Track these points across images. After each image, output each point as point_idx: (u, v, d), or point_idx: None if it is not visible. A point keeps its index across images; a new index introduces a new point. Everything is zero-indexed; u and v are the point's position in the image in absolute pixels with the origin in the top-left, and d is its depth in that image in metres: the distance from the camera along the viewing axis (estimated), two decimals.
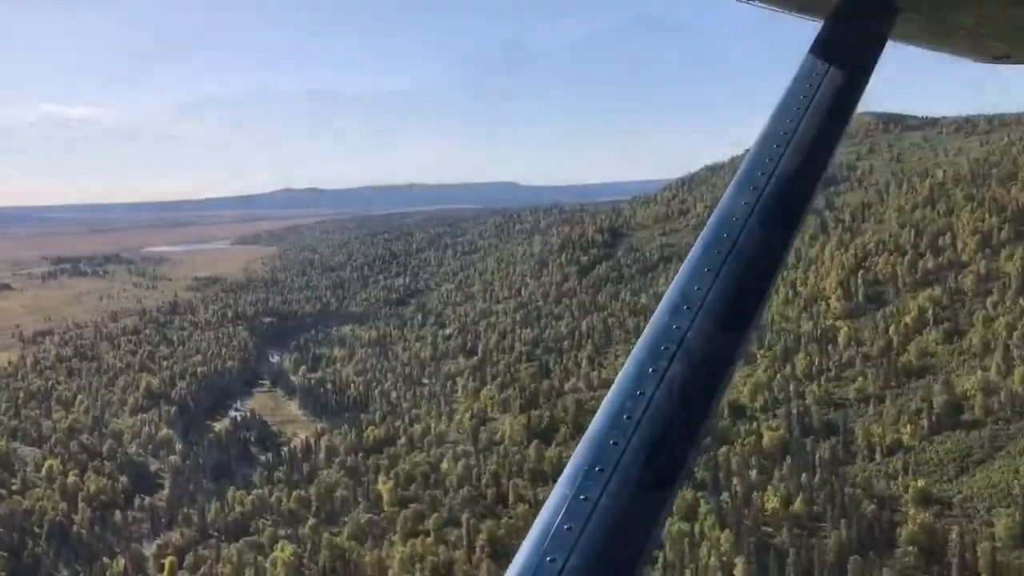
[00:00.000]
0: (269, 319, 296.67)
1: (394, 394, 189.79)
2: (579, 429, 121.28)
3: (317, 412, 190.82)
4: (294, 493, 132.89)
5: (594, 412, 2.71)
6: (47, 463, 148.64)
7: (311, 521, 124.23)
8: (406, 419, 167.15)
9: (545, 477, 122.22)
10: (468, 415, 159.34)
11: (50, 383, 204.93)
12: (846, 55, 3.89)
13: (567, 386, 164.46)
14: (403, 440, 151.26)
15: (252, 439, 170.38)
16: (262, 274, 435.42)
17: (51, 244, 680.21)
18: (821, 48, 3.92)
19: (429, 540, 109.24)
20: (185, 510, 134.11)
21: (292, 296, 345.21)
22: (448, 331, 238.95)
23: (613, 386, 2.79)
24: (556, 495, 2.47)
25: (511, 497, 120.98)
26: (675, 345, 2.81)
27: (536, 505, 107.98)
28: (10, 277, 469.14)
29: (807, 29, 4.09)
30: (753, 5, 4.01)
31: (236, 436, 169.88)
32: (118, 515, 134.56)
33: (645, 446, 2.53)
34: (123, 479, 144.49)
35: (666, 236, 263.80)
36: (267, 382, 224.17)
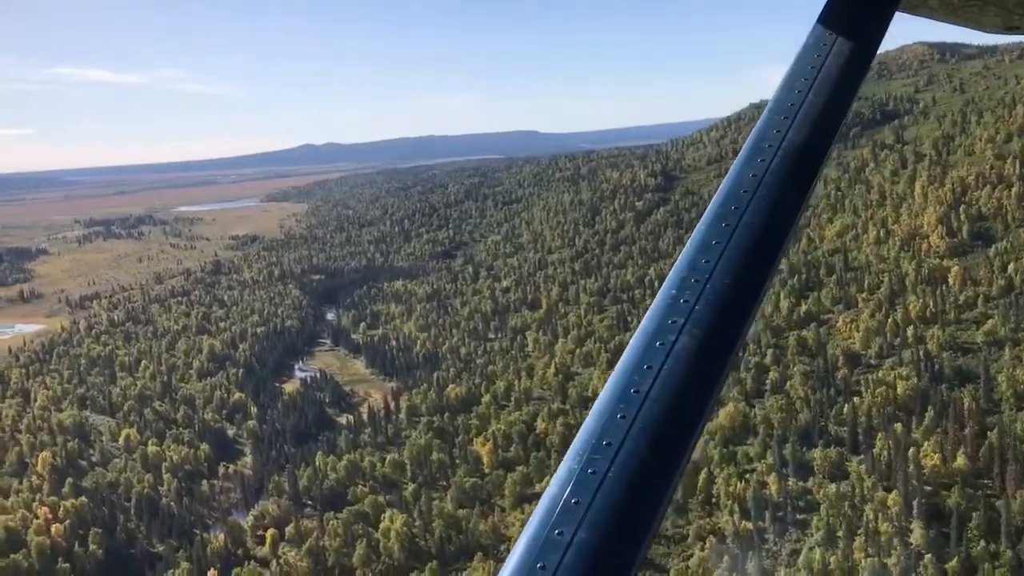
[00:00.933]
0: (317, 276, 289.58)
1: (463, 350, 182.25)
2: None
3: (386, 370, 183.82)
4: (388, 457, 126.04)
5: None
6: (123, 432, 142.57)
7: (410, 487, 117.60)
8: (482, 376, 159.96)
9: None
10: (551, 370, 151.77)
11: (109, 348, 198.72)
12: (854, 25, 3.85)
13: None
14: (487, 398, 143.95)
15: (327, 400, 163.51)
16: (299, 231, 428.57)
17: (80, 207, 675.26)
18: (829, 18, 3.87)
19: None
20: (276, 478, 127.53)
21: (335, 253, 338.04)
22: (505, 284, 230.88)
23: (620, 360, 2.74)
24: (563, 469, 2.44)
25: None
26: (683, 319, 2.76)
27: None
28: (46, 241, 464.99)
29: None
30: None
31: (309, 397, 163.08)
32: (205, 485, 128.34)
33: (653, 420, 2.50)
34: (204, 447, 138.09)
35: (722, 177, 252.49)
36: (327, 341, 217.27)
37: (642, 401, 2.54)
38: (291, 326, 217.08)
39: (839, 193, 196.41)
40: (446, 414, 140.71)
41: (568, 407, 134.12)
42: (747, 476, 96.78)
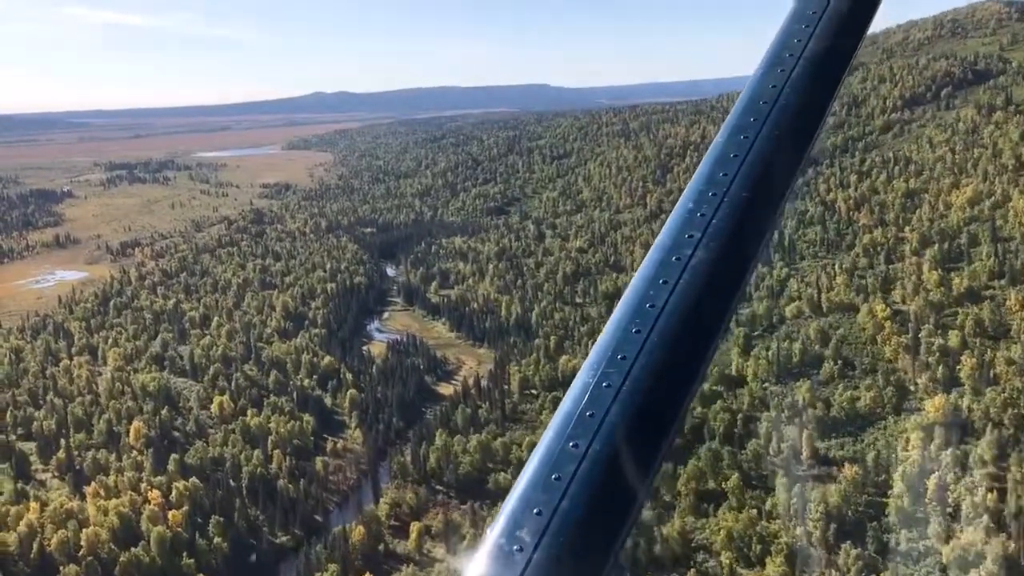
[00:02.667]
0: (369, 230, 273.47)
1: (558, 316, 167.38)
2: None
3: (474, 335, 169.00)
4: (527, 439, 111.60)
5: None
6: (217, 400, 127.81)
7: None
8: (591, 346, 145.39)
9: None
10: None
11: (172, 302, 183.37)
12: None
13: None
14: None
15: (422, 367, 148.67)
16: (333, 181, 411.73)
17: (96, 150, 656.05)
18: None
19: (744, 514, 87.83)
20: (398, 458, 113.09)
21: (379, 205, 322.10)
22: (579, 243, 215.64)
23: (636, 274, 2.70)
24: (578, 382, 2.43)
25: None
26: (700, 233, 2.70)
27: None
28: (68, 184, 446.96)
29: None
30: None
31: (403, 363, 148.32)
32: (319, 464, 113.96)
33: (668, 335, 2.46)
34: (308, 418, 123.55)
35: None
36: (398, 300, 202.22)
37: (657, 315, 2.50)
38: (360, 283, 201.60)
39: (954, 156, 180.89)
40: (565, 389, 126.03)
41: (708, 385, 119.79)
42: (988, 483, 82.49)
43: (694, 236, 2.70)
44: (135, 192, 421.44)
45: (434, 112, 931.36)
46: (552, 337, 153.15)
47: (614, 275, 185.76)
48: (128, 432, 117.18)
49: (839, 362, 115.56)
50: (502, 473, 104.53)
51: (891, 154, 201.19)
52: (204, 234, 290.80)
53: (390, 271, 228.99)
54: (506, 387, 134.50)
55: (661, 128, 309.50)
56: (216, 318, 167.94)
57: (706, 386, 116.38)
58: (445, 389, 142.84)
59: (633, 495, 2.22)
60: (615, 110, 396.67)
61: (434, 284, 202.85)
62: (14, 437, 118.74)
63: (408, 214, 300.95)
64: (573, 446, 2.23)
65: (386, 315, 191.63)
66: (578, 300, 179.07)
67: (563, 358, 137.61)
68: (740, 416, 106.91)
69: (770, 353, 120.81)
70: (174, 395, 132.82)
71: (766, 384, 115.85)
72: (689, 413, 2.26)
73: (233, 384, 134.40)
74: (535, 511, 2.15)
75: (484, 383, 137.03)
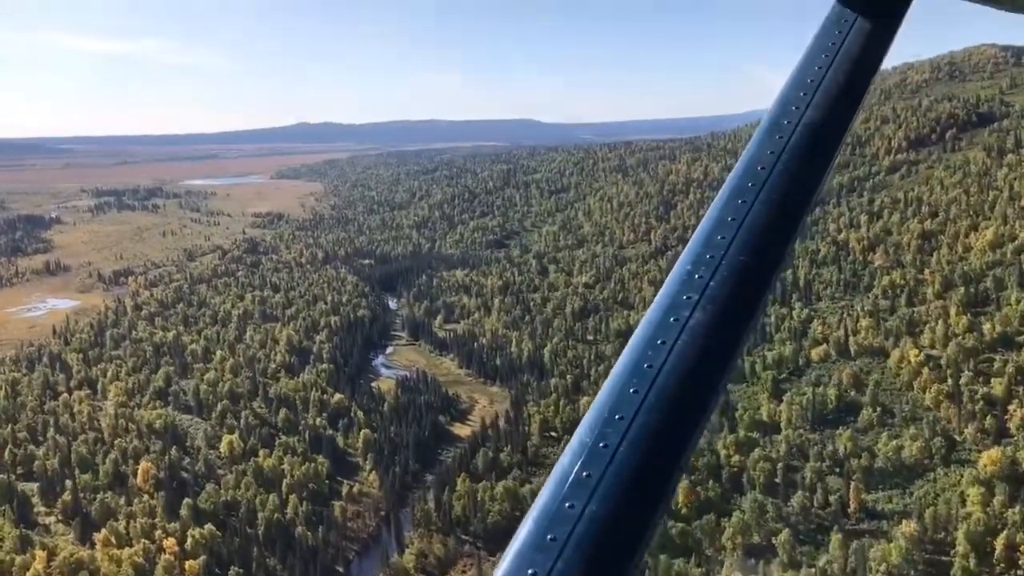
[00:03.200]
0: (367, 261, 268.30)
1: (571, 353, 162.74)
2: None
3: (483, 372, 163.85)
4: None
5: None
6: (226, 439, 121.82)
7: None
8: None
9: None
10: None
11: (172, 334, 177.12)
12: (876, 3, 3.75)
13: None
14: None
15: (435, 405, 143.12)
16: (326, 211, 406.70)
17: (82, 176, 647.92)
18: None
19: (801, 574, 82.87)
20: (421, 505, 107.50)
21: (375, 236, 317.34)
22: (585, 279, 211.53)
23: (634, 334, 2.73)
24: (575, 442, 2.43)
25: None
26: (697, 295, 2.74)
27: None
28: (56, 210, 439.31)
29: None
30: None
31: (415, 401, 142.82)
32: (336, 509, 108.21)
33: (665, 395, 2.47)
34: (321, 460, 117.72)
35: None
36: (401, 334, 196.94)
37: (655, 376, 2.51)
38: (363, 316, 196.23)
39: (968, 198, 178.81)
40: None
41: (743, 431, 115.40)
42: None
43: (692, 298, 2.73)
44: (124, 219, 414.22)
45: (422, 144, 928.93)
46: (568, 376, 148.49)
47: (624, 312, 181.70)
48: (136, 473, 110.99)
49: (877, 409, 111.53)
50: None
51: (900, 195, 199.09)
52: (197, 263, 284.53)
53: (391, 304, 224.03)
54: (524, 428, 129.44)
55: (661, 165, 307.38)
56: (220, 351, 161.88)
57: (741, 432, 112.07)
58: (460, 429, 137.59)
59: (629, 557, 2.20)
60: (609, 146, 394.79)
61: (439, 318, 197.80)
62: (14, 477, 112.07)
63: (406, 246, 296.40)
64: (569, 507, 2.23)
65: (390, 350, 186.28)
66: (589, 337, 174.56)
67: (583, 399, 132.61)
68: (780, 465, 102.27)
69: (804, 399, 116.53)
70: (180, 433, 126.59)
71: (802, 431, 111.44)
72: (686, 474, 2.30)
73: (242, 422, 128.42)
74: (530, 572, 2.14)
75: (502, 424, 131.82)
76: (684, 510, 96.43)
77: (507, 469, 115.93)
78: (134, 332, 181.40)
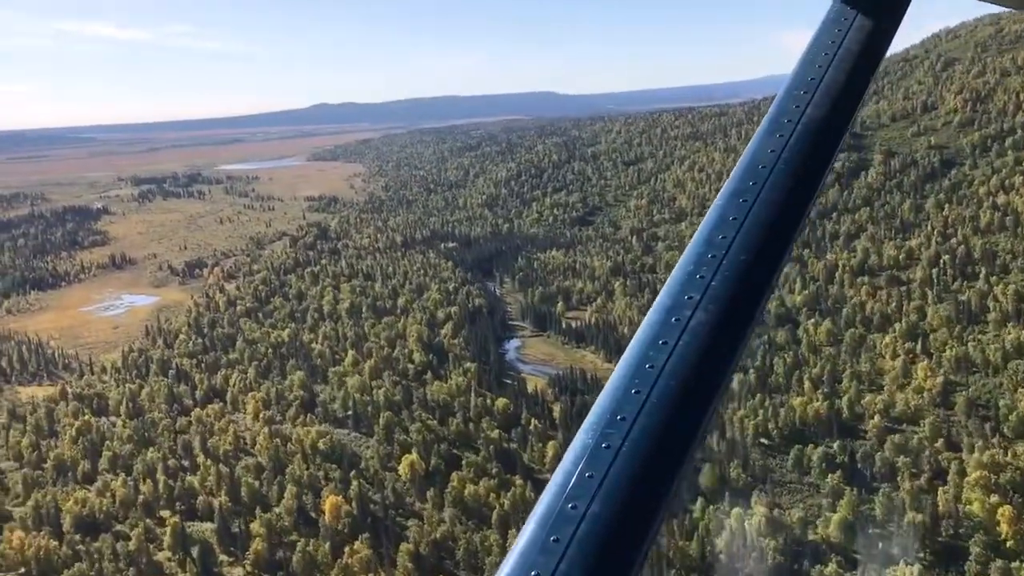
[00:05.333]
0: (452, 244, 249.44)
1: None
2: None
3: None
4: (833, 516, 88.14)
5: None
6: (406, 460, 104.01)
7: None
8: (814, 383, 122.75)
9: None
10: (923, 376, 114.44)
11: (285, 332, 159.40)
12: (876, 1, 3.74)
13: None
14: (874, 420, 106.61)
15: None
16: (378, 192, 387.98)
17: (112, 164, 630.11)
18: None
19: None
20: (678, 541, 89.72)
21: (445, 217, 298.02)
22: None
23: (636, 334, 2.71)
24: (578, 443, 2.42)
25: None
26: (699, 294, 2.72)
27: None
28: (98, 200, 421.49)
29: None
30: None
31: (585, 404, 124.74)
32: None
33: (667, 396, 2.46)
34: (520, 483, 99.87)
35: (931, 135, 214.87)
36: (521, 323, 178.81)
37: (657, 376, 2.49)
38: (481, 306, 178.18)
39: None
40: (839, 439, 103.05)
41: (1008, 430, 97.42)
42: None
43: (693, 298, 2.71)
44: (172, 207, 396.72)
45: (445, 121, 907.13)
46: (748, 370, 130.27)
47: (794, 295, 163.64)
48: (319, 508, 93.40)
49: None
50: (832, 563, 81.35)
51: None
52: (268, 251, 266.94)
53: (495, 291, 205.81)
54: (733, 435, 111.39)
55: (742, 129, 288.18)
56: (350, 352, 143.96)
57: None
58: None
59: (632, 558, 2.19)
60: (676, 112, 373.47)
61: (559, 305, 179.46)
62: (176, 516, 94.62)
63: (483, 226, 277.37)
64: (572, 507, 2.22)
65: (517, 342, 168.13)
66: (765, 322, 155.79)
67: (797, 400, 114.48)
68: None
69: None
70: (348, 453, 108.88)
71: None
72: (688, 474, 2.32)
73: (413, 436, 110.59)
74: (533, 573, 2.12)
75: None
76: (1010, 542, 78.79)
77: (741, 488, 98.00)
78: (243, 332, 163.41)
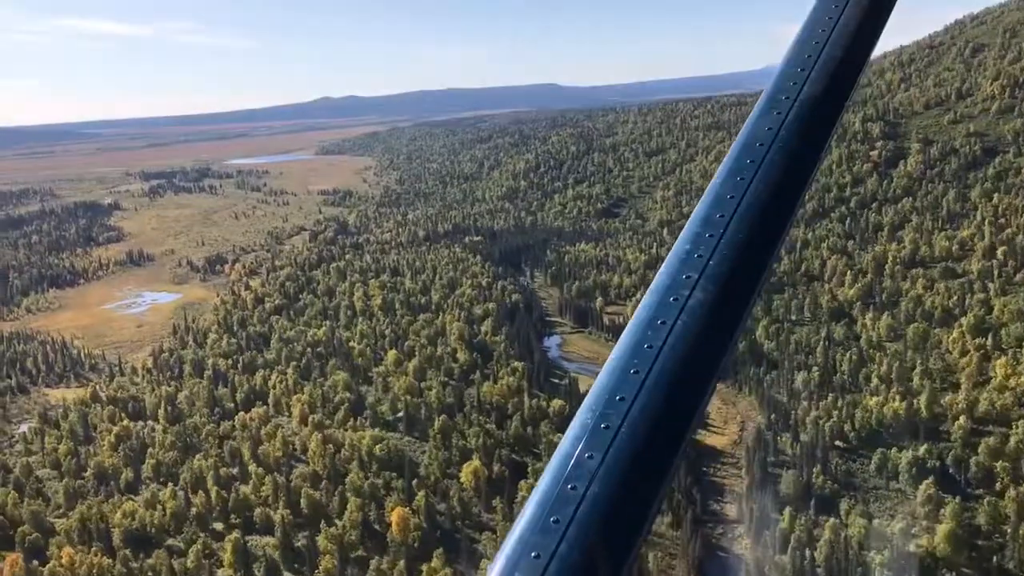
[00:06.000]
0: (477, 238, 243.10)
1: (792, 337, 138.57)
2: None
3: None
4: (939, 528, 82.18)
5: None
6: (467, 468, 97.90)
7: None
8: (900, 382, 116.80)
9: None
10: (1008, 372, 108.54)
11: (321, 331, 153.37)
12: None
13: None
14: (959, 421, 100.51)
15: None
16: (393, 186, 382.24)
17: (118, 160, 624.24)
18: None
19: None
20: (777, 556, 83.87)
21: (466, 210, 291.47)
22: None
23: (634, 314, 2.69)
24: (576, 424, 2.40)
25: None
26: (697, 274, 2.71)
27: None
28: (108, 195, 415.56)
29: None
30: None
31: None
32: (650, 561, 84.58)
33: (666, 375, 2.45)
34: None
35: (968, 123, 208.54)
36: (559, 319, 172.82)
37: (655, 356, 2.48)
38: (517, 301, 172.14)
39: None
40: (932, 442, 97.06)
41: None
42: None
43: (691, 277, 2.69)
44: (184, 202, 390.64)
45: (449, 114, 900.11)
46: (812, 367, 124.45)
47: (817, 284, 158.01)
48: (384, 519, 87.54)
49: None
50: None
51: None
52: (289, 246, 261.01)
53: (527, 285, 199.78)
54: (812, 438, 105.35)
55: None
56: (392, 351, 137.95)
57: None
58: (708, 438, 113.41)
59: (632, 539, 2.18)
60: (695, 102, 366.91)
61: (599, 300, 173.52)
62: (234, 529, 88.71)
63: (505, 219, 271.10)
64: (571, 488, 2.21)
65: (558, 339, 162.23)
66: (793, 317, 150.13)
67: (872, 400, 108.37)
68: None
69: None
70: (406, 460, 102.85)
71: None
72: (687, 454, 2.31)
73: (472, 441, 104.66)
74: (533, 555, 2.11)
75: (764, 432, 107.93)
76: None
77: (828, 496, 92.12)
78: (276, 331, 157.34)
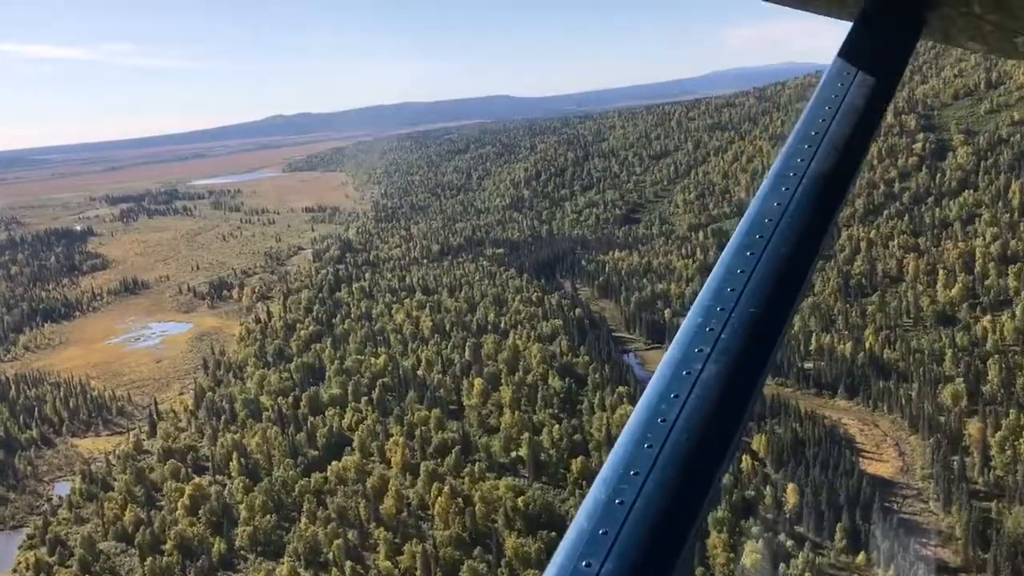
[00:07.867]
0: (499, 250, 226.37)
1: (910, 344, 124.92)
2: None
3: (802, 382, 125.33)
4: None
5: None
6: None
7: None
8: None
9: None
10: None
11: (381, 360, 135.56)
12: (876, 55, 3.71)
13: None
14: None
15: (816, 437, 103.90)
16: (379, 200, 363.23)
17: (78, 185, 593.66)
18: (851, 49, 3.75)
19: None
20: None
21: (472, 222, 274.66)
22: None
23: (647, 388, 2.67)
24: (590, 499, 2.36)
25: None
26: (709, 347, 2.68)
27: None
28: (78, 221, 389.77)
29: (839, 30, 3.85)
30: (780, 6, 3.75)
31: (790, 431, 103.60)
32: None
33: (680, 449, 2.41)
34: (747, 524, 78.63)
35: (1008, 111, 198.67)
36: (626, 334, 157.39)
37: (669, 430, 2.45)
38: (580, 317, 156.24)
39: None
40: None
41: None
42: None
43: (703, 350, 2.66)
44: (161, 225, 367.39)
45: (408, 128, 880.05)
46: (959, 378, 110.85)
47: (903, 287, 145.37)
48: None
49: None
50: None
51: None
52: (294, 268, 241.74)
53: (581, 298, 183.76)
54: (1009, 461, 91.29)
55: (772, 117, 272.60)
56: (479, 380, 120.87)
57: None
58: (872, 467, 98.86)
59: None
60: (687, 104, 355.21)
61: (667, 312, 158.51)
62: None
63: (518, 229, 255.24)
64: (586, 565, 2.16)
65: (634, 357, 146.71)
66: (896, 322, 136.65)
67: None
68: None
69: None
70: (555, 515, 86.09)
71: None
72: (701, 529, 2.25)
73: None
74: None
75: (929, 456, 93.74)
76: None
77: None
78: (327, 362, 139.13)
